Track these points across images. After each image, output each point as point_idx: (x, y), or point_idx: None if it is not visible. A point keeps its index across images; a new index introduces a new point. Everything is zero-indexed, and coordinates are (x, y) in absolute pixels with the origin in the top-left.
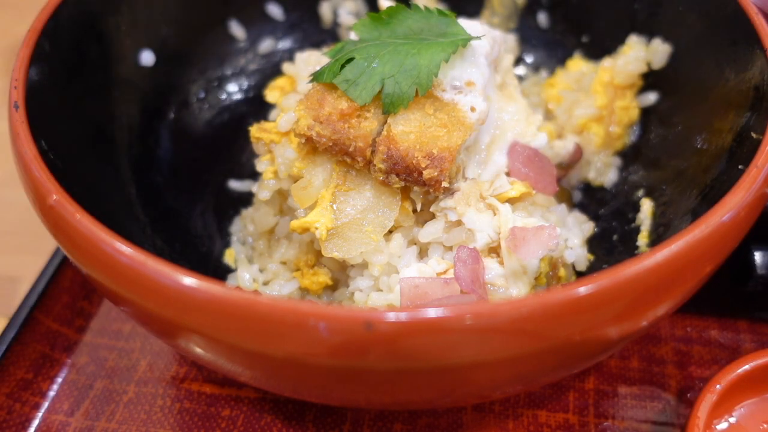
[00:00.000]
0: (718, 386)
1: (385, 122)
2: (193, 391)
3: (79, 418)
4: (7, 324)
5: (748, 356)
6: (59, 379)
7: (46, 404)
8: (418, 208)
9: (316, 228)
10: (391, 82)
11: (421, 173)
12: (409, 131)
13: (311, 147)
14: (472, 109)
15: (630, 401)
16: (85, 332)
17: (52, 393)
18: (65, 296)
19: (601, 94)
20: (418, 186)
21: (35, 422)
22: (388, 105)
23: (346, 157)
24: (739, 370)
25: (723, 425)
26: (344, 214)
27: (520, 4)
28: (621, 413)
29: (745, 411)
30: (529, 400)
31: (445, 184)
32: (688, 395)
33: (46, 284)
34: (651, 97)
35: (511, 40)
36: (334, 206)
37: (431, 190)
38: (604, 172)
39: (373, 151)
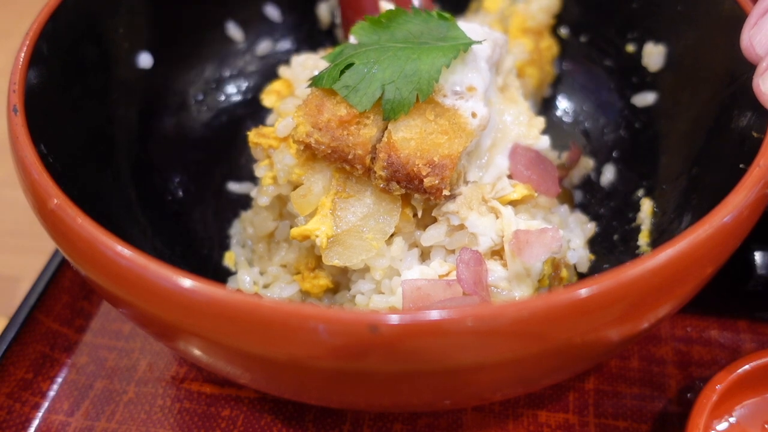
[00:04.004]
0: (718, 386)
1: (385, 129)
2: (193, 391)
3: (79, 418)
4: (7, 324)
5: (748, 356)
6: (59, 379)
7: (46, 404)
8: (419, 214)
9: (317, 236)
10: (391, 88)
11: (422, 181)
12: (410, 138)
13: (310, 153)
14: (474, 115)
15: (630, 401)
16: (85, 332)
17: (52, 393)
18: (65, 296)
19: (526, 38)
20: (418, 193)
21: (35, 422)
22: (389, 111)
23: (345, 165)
24: (739, 370)
25: (723, 425)
26: (344, 222)
27: None
28: (621, 413)
29: (745, 411)
30: (529, 400)
31: (445, 192)
32: (688, 395)
33: (46, 284)
34: (650, 98)
35: None
36: (334, 213)
37: (432, 198)
38: (604, 171)
39: (372, 159)
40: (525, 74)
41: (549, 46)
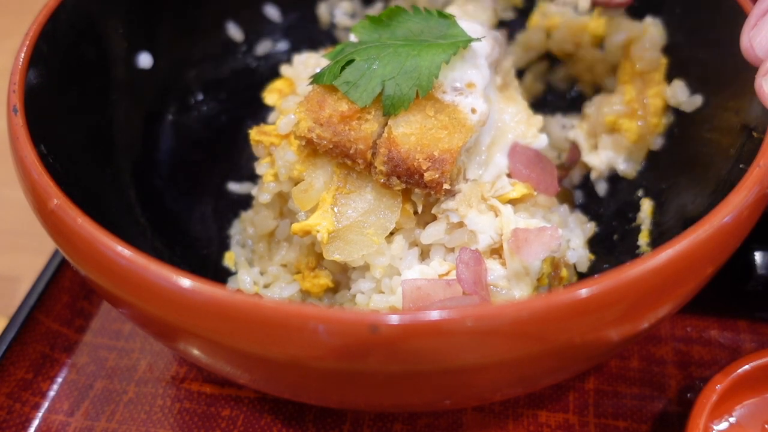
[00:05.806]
0: (718, 386)
1: (386, 124)
2: (193, 391)
3: (79, 418)
4: (7, 324)
5: (748, 356)
6: (59, 379)
7: (46, 404)
8: (419, 210)
9: (318, 231)
10: (391, 84)
11: (423, 175)
12: (410, 133)
13: (311, 149)
14: (473, 111)
15: (630, 401)
16: (85, 332)
17: (52, 393)
18: (65, 296)
19: (628, 86)
20: (419, 188)
21: (35, 422)
22: (389, 107)
23: (346, 160)
24: (739, 370)
25: (723, 425)
26: (345, 217)
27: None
28: (621, 413)
29: (745, 411)
30: (529, 400)
31: (446, 186)
32: (688, 395)
33: (46, 284)
34: None
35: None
36: (335, 209)
37: (432, 192)
38: (604, 172)
39: (373, 154)
40: (620, 129)
41: (657, 93)
